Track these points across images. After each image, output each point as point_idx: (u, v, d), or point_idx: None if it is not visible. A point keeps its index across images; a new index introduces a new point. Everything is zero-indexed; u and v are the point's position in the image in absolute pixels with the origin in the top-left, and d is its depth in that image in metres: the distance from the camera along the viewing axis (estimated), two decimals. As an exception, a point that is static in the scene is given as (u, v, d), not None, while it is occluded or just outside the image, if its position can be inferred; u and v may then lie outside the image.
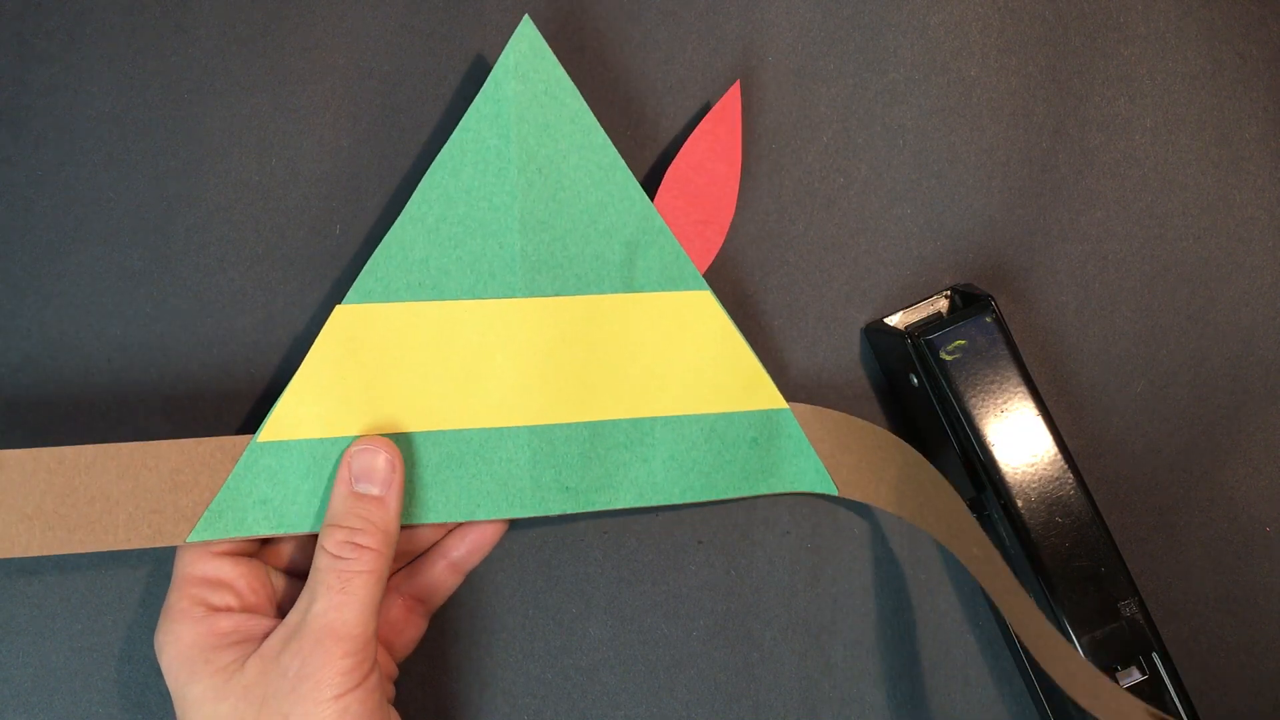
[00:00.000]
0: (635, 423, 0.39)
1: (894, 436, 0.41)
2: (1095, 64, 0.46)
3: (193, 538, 0.35)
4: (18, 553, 0.33)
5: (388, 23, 0.42)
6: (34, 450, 0.34)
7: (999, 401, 0.40)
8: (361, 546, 0.34)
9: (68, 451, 0.34)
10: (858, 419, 0.41)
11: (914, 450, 0.40)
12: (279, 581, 0.37)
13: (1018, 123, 0.46)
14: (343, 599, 0.33)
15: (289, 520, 0.36)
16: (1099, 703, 0.37)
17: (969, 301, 0.43)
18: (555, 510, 0.38)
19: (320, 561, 0.34)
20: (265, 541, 0.38)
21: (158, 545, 0.35)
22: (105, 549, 0.34)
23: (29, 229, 0.40)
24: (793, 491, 0.41)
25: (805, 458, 0.41)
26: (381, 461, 0.35)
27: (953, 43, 0.45)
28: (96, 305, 0.40)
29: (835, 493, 0.41)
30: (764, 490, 0.41)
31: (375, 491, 0.35)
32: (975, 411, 0.40)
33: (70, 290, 0.40)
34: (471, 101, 0.37)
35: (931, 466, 0.40)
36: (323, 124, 0.42)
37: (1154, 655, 0.39)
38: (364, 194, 0.42)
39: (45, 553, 0.34)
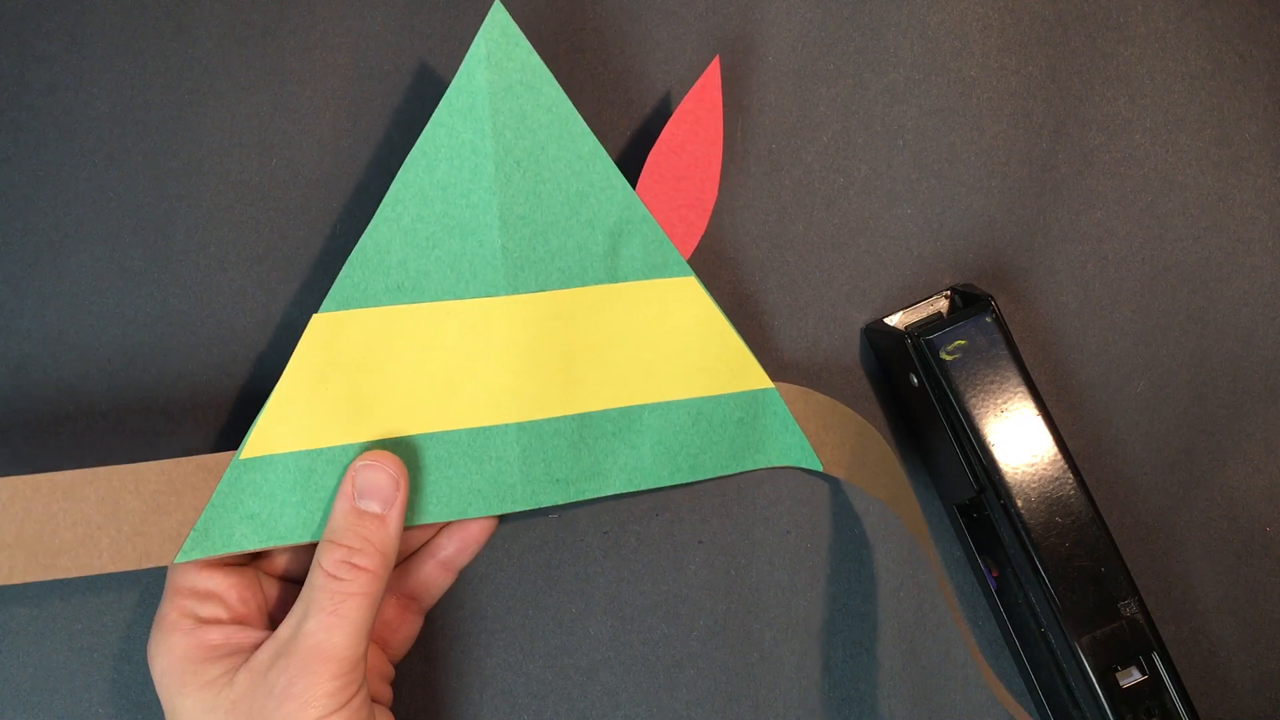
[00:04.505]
0: (623, 411, 0.39)
1: (872, 429, 0.41)
2: (1095, 64, 0.46)
3: (180, 558, 0.34)
4: (2, 580, 0.33)
5: (388, 23, 0.42)
6: (9, 479, 0.33)
7: (999, 401, 0.40)
8: (358, 567, 0.33)
9: (44, 478, 0.33)
10: (841, 404, 0.41)
11: (889, 450, 0.41)
12: (271, 590, 0.37)
13: (1018, 123, 0.46)
14: (334, 620, 0.33)
15: (279, 533, 0.35)
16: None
17: (969, 301, 0.43)
18: (547, 502, 0.38)
19: (315, 578, 0.34)
20: (256, 552, 0.38)
21: (145, 567, 0.34)
22: (91, 573, 0.33)
23: (29, 229, 0.40)
24: (778, 466, 0.41)
25: (791, 434, 0.41)
26: (386, 479, 0.35)
27: (953, 43, 0.45)
28: (96, 305, 0.40)
29: (820, 468, 0.41)
30: (750, 466, 0.41)
31: (377, 509, 0.35)
32: (975, 411, 0.40)
33: (70, 290, 0.40)
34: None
35: (901, 473, 0.41)
36: (323, 124, 0.42)
37: (1154, 655, 0.39)
38: (364, 194, 0.42)
39: (30, 579, 0.33)
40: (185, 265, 0.41)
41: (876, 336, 0.44)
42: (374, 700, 0.38)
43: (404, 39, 0.42)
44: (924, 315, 0.44)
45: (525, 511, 0.42)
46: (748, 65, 0.44)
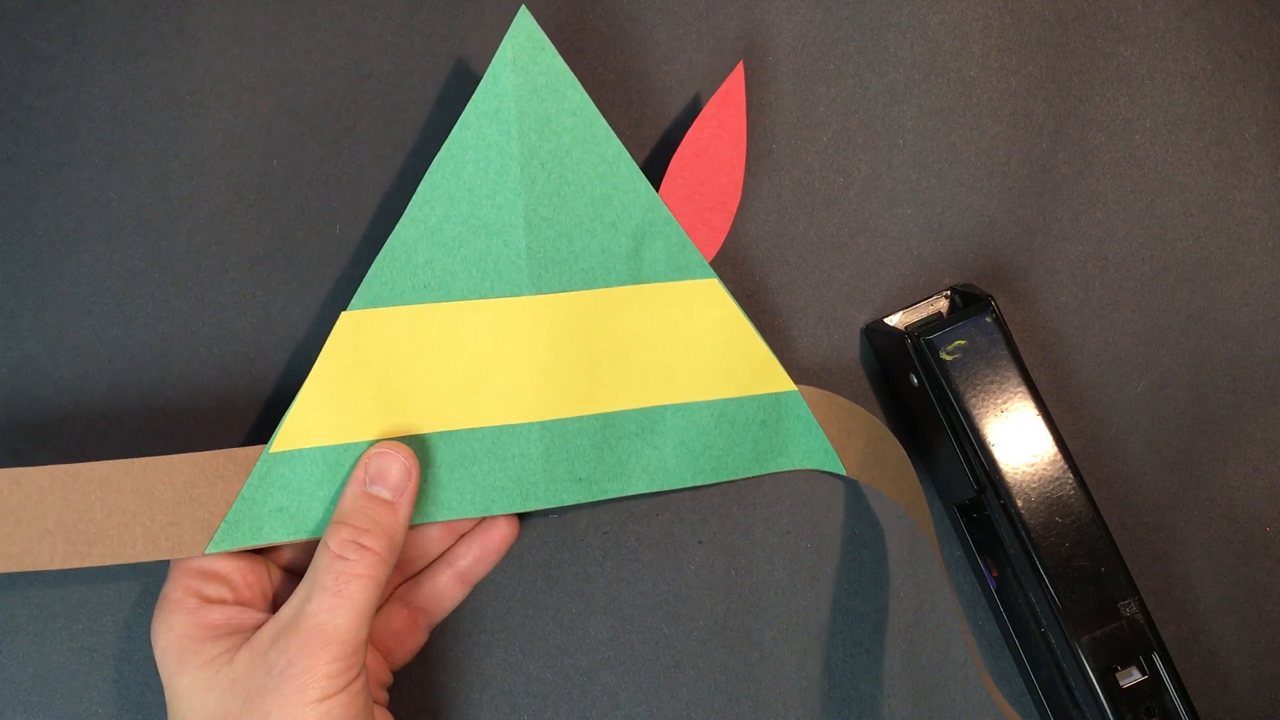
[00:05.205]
0: (646, 412, 0.39)
1: (889, 433, 0.41)
2: (1095, 64, 0.46)
3: (211, 549, 0.35)
4: (40, 566, 0.34)
5: (388, 23, 0.42)
6: (50, 467, 0.34)
7: (999, 401, 0.40)
8: (364, 548, 0.34)
9: (83, 468, 0.34)
10: (860, 408, 0.41)
11: (905, 455, 0.41)
12: (278, 576, 0.37)
13: (1018, 123, 0.46)
14: (337, 602, 0.33)
15: (306, 526, 0.36)
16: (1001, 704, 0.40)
17: (969, 301, 0.43)
18: (569, 501, 0.38)
19: (321, 559, 0.34)
20: None
21: (176, 557, 0.35)
22: (124, 561, 0.34)
23: (29, 229, 0.40)
24: (802, 469, 0.41)
25: (814, 438, 0.41)
26: (398, 467, 0.35)
27: (953, 43, 0.45)
28: (96, 305, 0.40)
29: (844, 472, 0.41)
30: (773, 469, 0.41)
31: (387, 496, 0.35)
32: (975, 411, 0.40)
33: (70, 290, 0.40)
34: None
35: (916, 478, 0.40)
36: (323, 124, 0.42)
37: (1154, 655, 0.39)
38: (364, 194, 0.42)
39: (67, 566, 0.34)
40: (186, 265, 0.41)
41: (876, 336, 0.44)
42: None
43: (404, 40, 0.42)
44: (924, 315, 0.44)
45: (526, 511, 0.42)
46: (747, 65, 0.44)
